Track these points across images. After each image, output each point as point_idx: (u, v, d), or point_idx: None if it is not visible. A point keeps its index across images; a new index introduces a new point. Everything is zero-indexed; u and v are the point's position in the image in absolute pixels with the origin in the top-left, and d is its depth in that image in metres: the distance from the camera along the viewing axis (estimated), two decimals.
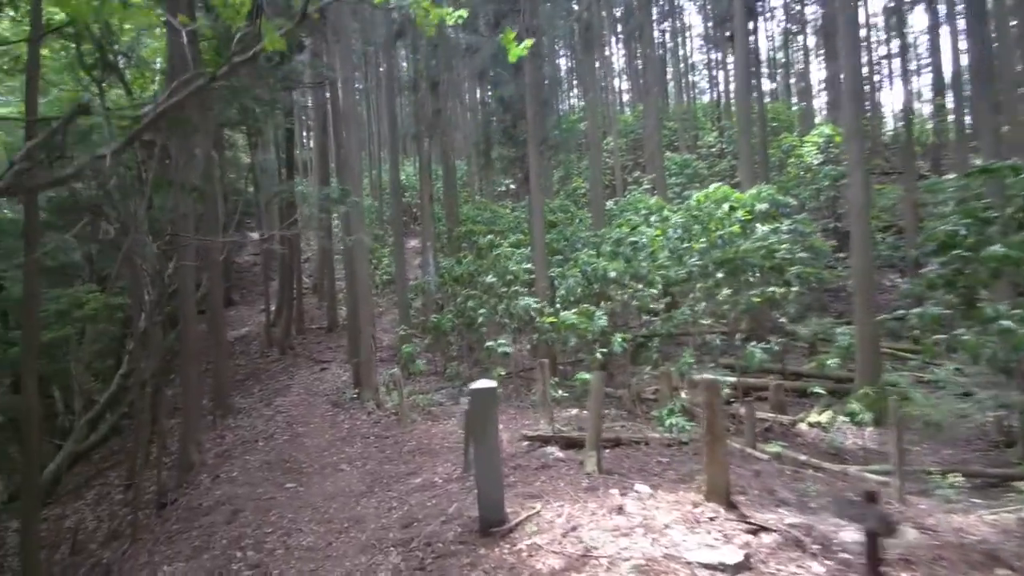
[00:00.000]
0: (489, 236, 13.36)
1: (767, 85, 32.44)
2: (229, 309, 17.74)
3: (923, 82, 28.73)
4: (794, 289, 9.65)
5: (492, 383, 4.56)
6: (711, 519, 4.00)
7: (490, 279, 11.12)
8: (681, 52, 37.65)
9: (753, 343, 8.88)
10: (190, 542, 5.77)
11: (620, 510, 4.33)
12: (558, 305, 10.54)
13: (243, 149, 17.76)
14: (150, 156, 9.06)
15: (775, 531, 3.69)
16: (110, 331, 12.99)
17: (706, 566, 3.27)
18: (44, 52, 10.20)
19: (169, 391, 11.52)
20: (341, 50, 10.66)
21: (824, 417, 9.81)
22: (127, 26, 11.42)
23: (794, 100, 33.75)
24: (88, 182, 11.37)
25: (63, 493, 10.04)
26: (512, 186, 26.08)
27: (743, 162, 14.31)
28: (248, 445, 9.00)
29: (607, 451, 6.47)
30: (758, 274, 9.87)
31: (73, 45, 8.67)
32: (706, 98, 37.80)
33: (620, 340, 8.89)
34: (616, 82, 39.04)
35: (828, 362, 9.36)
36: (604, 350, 9.00)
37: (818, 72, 35.92)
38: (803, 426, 9.80)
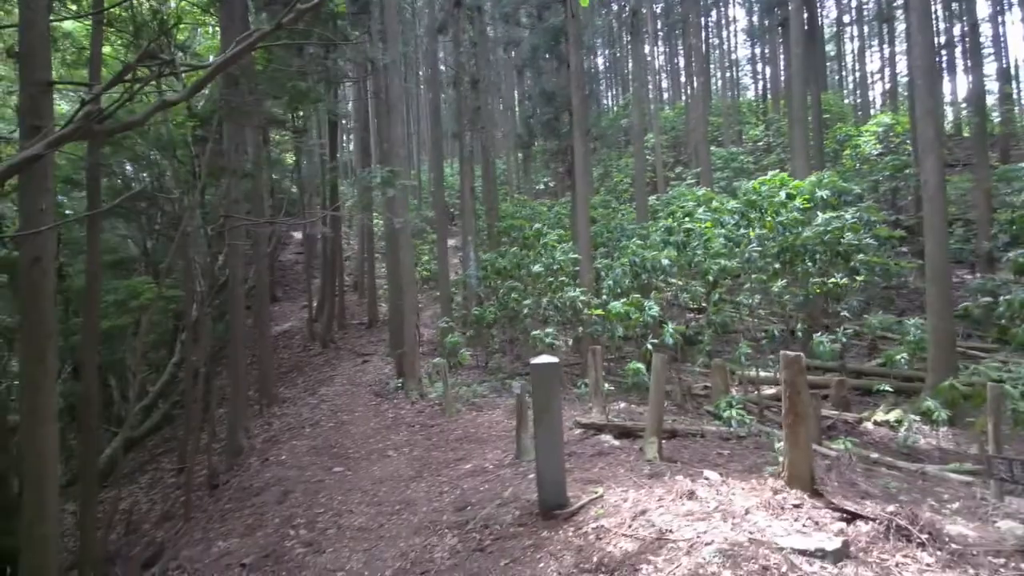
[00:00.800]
0: (537, 225, 13.13)
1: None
2: (273, 305, 18.05)
3: (985, 71, 27.12)
4: (859, 279, 9.08)
5: (554, 358, 4.33)
6: (796, 506, 3.66)
7: (537, 268, 10.89)
8: (724, 47, 36.79)
9: (818, 333, 8.38)
10: (243, 520, 5.74)
11: (691, 495, 4.03)
12: (604, 297, 10.24)
13: (287, 146, 18.13)
14: (203, 151, 9.30)
15: (873, 519, 3.34)
16: (164, 322, 13.39)
17: (801, 552, 2.95)
18: (106, 50, 10.64)
19: (216, 381, 11.73)
20: (388, 37, 10.68)
21: (892, 415, 9.18)
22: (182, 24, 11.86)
23: (846, 93, 32.45)
24: (140, 173, 11.77)
25: (119, 477, 10.33)
26: (551, 183, 25.88)
27: (797, 152, 13.64)
28: (295, 431, 9.03)
29: (663, 442, 6.15)
30: (817, 264, 9.34)
31: (132, 38, 8.99)
32: (749, 94, 36.79)
33: (672, 331, 8.53)
34: (655, 79, 38.39)
35: (897, 357, 8.73)
36: (655, 341, 8.66)
37: (871, 64, 34.47)
38: (869, 424, 9.20)
